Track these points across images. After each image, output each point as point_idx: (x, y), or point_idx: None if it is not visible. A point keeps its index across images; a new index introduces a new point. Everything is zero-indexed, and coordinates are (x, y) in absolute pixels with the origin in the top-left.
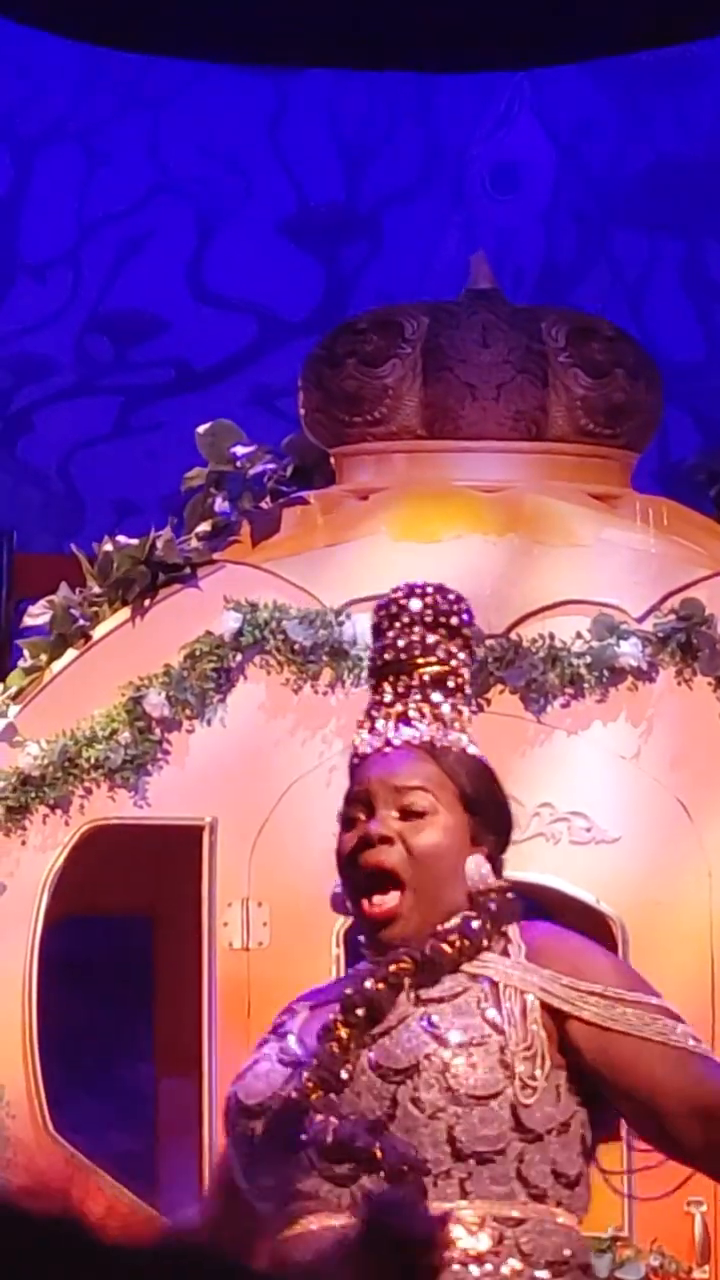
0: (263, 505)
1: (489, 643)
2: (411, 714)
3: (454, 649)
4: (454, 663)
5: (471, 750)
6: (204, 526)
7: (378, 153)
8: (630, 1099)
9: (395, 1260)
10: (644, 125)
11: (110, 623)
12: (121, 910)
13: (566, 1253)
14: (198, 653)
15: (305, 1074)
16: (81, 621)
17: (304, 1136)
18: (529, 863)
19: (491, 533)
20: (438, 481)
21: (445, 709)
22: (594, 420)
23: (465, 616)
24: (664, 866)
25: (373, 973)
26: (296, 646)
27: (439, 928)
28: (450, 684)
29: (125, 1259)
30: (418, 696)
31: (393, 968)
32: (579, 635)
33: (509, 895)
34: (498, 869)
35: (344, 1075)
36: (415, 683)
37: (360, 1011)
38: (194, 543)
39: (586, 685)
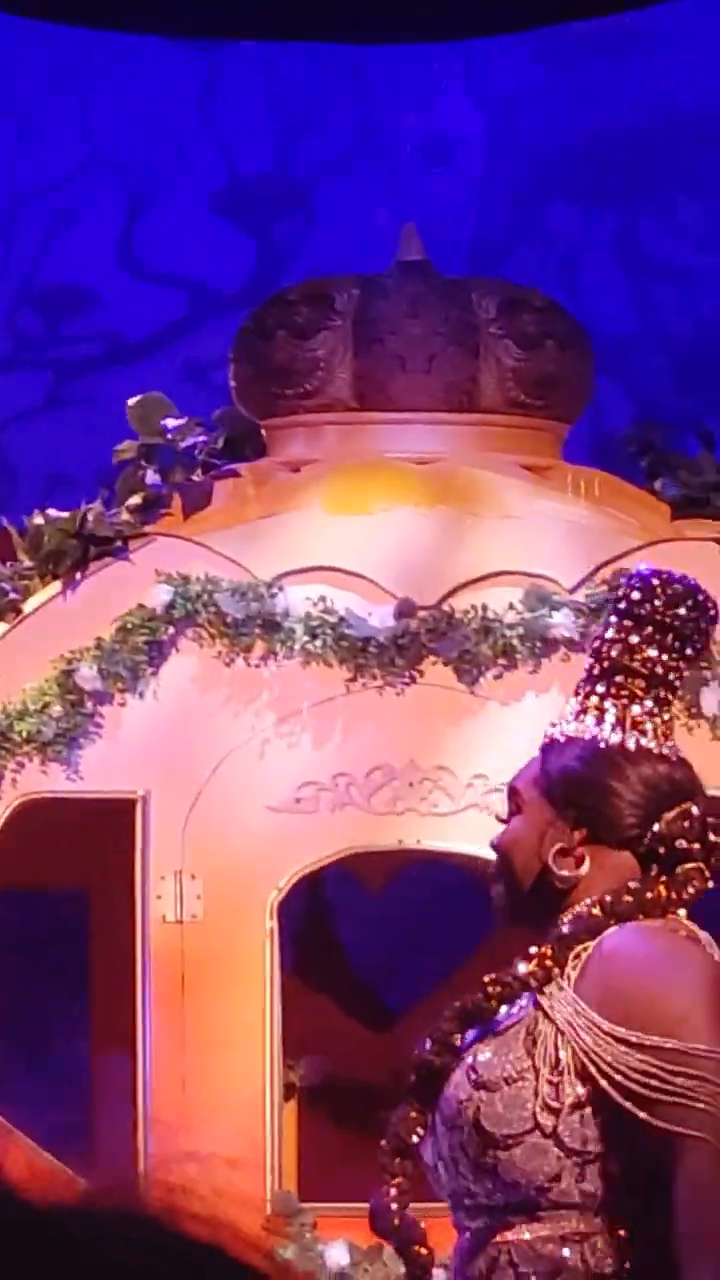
0: (194, 478)
1: (421, 614)
2: (578, 707)
3: (634, 643)
4: (638, 659)
5: (590, 736)
6: (135, 499)
7: (310, 125)
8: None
9: None
10: (577, 97)
11: (41, 596)
12: (55, 884)
13: (626, 1262)
14: (129, 626)
15: (385, 1139)
16: (12, 595)
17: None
18: (462, 834)
19: (423, 504)
20: (369, 453)
21: (588, 700)
22: (525, 391)
23: (667, 613)
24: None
25: (433, 1032)
26: (228, 619)
27: (529, 950)
28: (620, 677)
29: (46, 1218)
30: (580, 688)
31: (445, 1026)
32: (511, 606)
33: (596, 909)
34: (628, 842)
35: (414, 1139)
36: (589, 673)
37: (424, 1073)
38: (125, 516)
39: (519, 656)
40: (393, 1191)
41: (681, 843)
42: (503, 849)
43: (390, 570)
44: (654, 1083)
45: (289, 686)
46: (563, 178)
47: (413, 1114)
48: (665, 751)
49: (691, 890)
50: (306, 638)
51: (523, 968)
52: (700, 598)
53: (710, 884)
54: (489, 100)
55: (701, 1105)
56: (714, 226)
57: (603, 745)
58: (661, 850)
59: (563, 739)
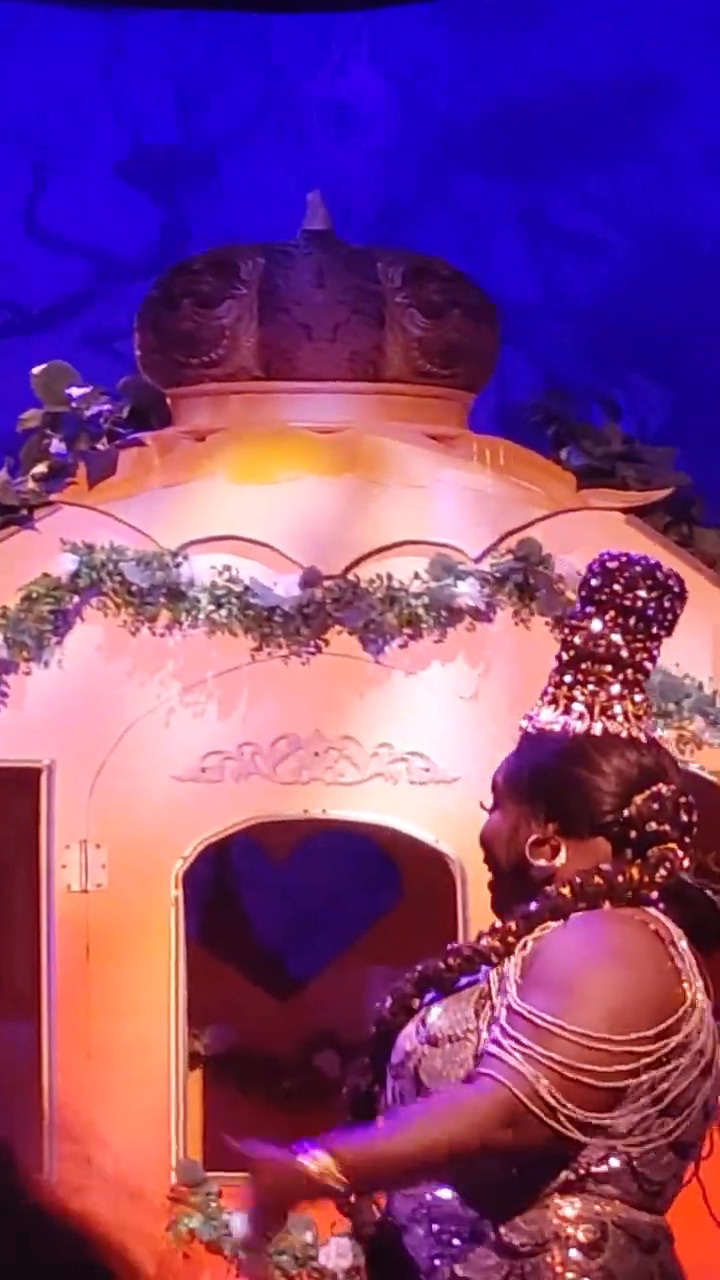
0: (99, 447)
1: (326, 583)
2: (548, 697)
3: (607, 625)
4: (602, 645)
5: (560, 727)
6: (40, 468)
7: (214, 93)
8: None
9: None
10: (482, 67)
11: None
12: None
13: (547, 1238)
14: (34, 595)
15: (344, 1089)
16: None
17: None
18: (368, 803)
19: (328, 473)
20: (274, 422)
21: (559, 688)
22: (430, 361)
23: (627, 595)
24: None
25: (393, 991)
26: (134, 588)
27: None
28: (586, 664)
29: None
30: (553, 676)
31: (405, 988)
32: (416, 576)
33: (565, 889)
34: (602, 829)
35: (365, 1091)
36: (560, 662)
37: (382, 1030)
38: (30, 484)
39: (424, 626)
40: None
41: (653, 825)
42: (485, 842)
43: (295, 539)
44: (507, 1043)
45: (194, 655)
46: (468, 147)
47: (369, 1065)
48: (635, 735)
49: (664, 872)
50: (211, 607)
51: (485, 941)
52: (660, 576)
53: (684, 865)
54: (394, 69)
55: (517, 1066)
56: (619, 197)
57: (571, 735)
58: (633, 834)
59: (535, 732)
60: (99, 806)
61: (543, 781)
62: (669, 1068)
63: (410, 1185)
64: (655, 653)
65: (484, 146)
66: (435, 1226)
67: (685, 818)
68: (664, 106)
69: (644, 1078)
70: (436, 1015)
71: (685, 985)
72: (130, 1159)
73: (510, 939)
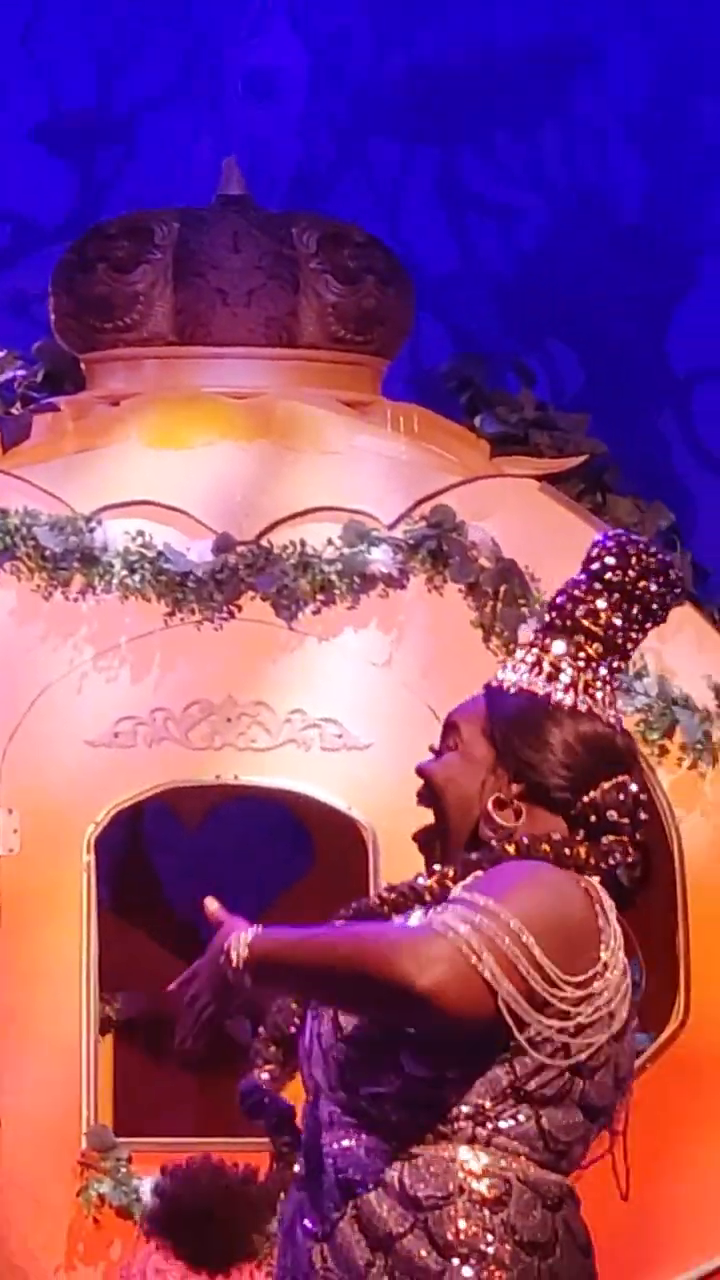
0: (13, 411)
1: (240, 549)
2: (508, 658)
3: (605, 606)
4: (590, 619)
5: (543, 692)
6: None
7: (132, 58)
8: None
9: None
10: (399, 33)
11: None
12: None
13: (451, 1190)
14: None
15: (263, 1028)
16: None
17: (242, 1085)
18: (280, 769)
19: (242, 439)
20: (188, 388)
21: (544, 654)
22: (345, 327)
23: (643, 583)
24: (414, 773)
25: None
26: (47, 553)
27: (434, 868)
28: (579, 638)
29: None
30: (534, 638)
31: (337, 923)
32: (330, 542)
33: (510, 846)
34: (560, 805)
35: (289, 1030)
36: (547, 625)
37: None
38: None
39: (337, 592)
40: (264, 1076)
41: (613, 814)
42: (437, 782)
43: (209, 505)
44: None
45: (107, 621)
46: (385, 113)
47: (292, 1005)
48: (611, 720)
49: (612, 861)
50: (125, 572)
51: (422, 881)
52: (671, 574)
53: (631, 860)
54: (312, 35)
55: (464, 932)
56: (536, 164)
57: (554, 704)
58: (593, 818)
59: (513, 689)
60: (11, 771)
61: (519, 742)
62: (578, 1019)
63: (307, 990)
64: (638, 644)
65: (402, 113)
66: (340, 1176)
67: (641, 815)
68: (582, 74)
69: (555, 1014)
70: None
71: (603, 948)
72: (41, 1124)
73: (448, 883)
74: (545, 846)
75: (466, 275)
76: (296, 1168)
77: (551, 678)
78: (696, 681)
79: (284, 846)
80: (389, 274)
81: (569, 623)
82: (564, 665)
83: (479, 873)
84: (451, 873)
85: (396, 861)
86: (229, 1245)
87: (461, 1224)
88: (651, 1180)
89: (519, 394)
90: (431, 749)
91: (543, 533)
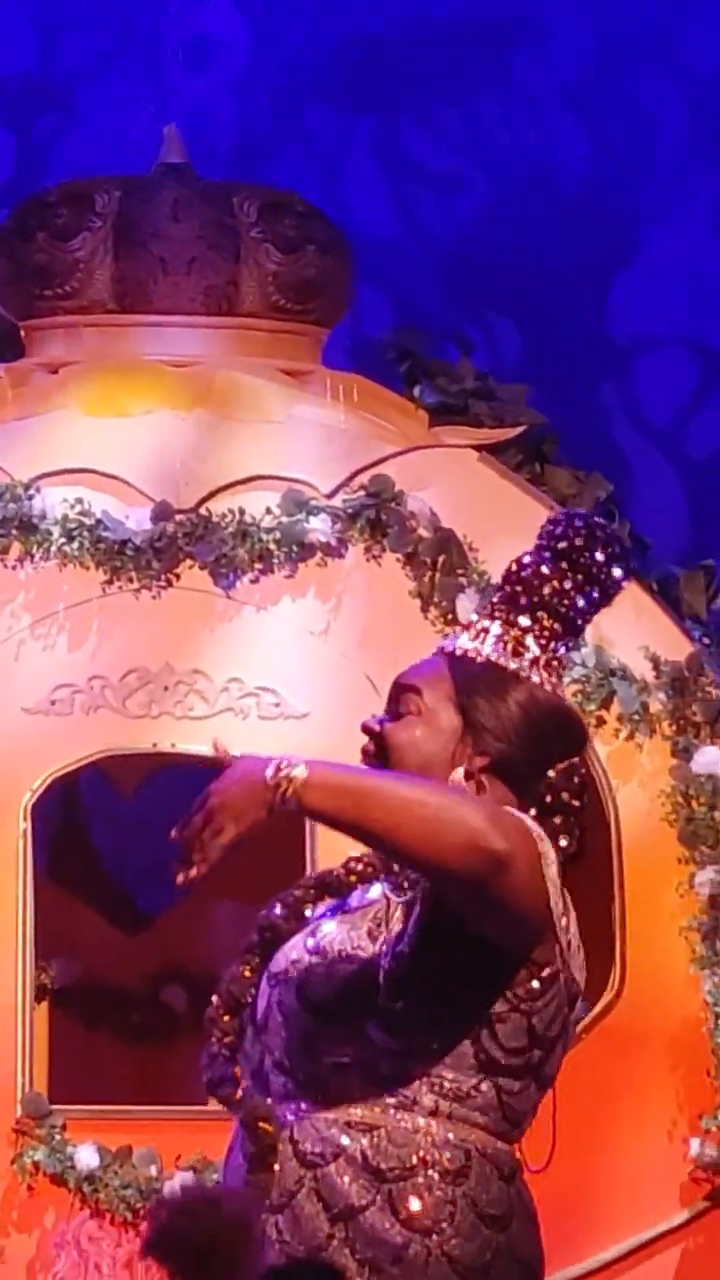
0: None
1: (178, 518)
2: (472, 625)
3: (569, 586)
4: (558, 599)
5: (512, 668)
6: None
7: (72, 25)
8: None
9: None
10: (339, 1)
11: None
12: None
13: (415, 1162)
14: None
15: (216, 994)
16: None
17: (203, 1060)
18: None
19: (181, 407)
20: (128, 356)
21: (510, 629)
22: (285, 296)
23: (609, 567)
24: (352, 742)
25: (283, 897)
26: None
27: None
28: (544, 613)
29: None
30: (498, 611)
31: (299, 893)
32: (268, 511)
33: None
34: (519, 783)
35: (245, 1000)
36: (509, 599)
37: (268, 935)
38: None
39: (275, 561)
40: (224, 1051)
41: (565, 796)
42: (396, 746)
43: (148, 473)
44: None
45: (45, 588)
46: (324, 81)
47: (247, 972)
48: (568, 702)
49: (563, 842)
50: (63, 539)
51: None
52: (630, 566)
53: (574, 845)
54: (252, 3)
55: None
56: (477, 134)
57: (523, 680)
58: (548, 798)
59: (480, 658)
60: None
61: (489, 714)
62: (534, 983)
63: (364, 826)
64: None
65: (341, 82)
66: (297, 1149)
67: (587, 797)
68: (523, 44)
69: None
70: (330, 929)
71: (564, 917)
72: None
73: (365, 870)
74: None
75: (406, 244)
76: (281, 1148)
77: (518, 653)
78: (634, 653)
79: None
80: (329, 243)
81: (536, 599)
82: (529, 641)
83: None
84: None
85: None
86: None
87: (425, 1196)
88: (587, 1150)
89: (458, 364)
90: (391, 713)
91: (481, 503)
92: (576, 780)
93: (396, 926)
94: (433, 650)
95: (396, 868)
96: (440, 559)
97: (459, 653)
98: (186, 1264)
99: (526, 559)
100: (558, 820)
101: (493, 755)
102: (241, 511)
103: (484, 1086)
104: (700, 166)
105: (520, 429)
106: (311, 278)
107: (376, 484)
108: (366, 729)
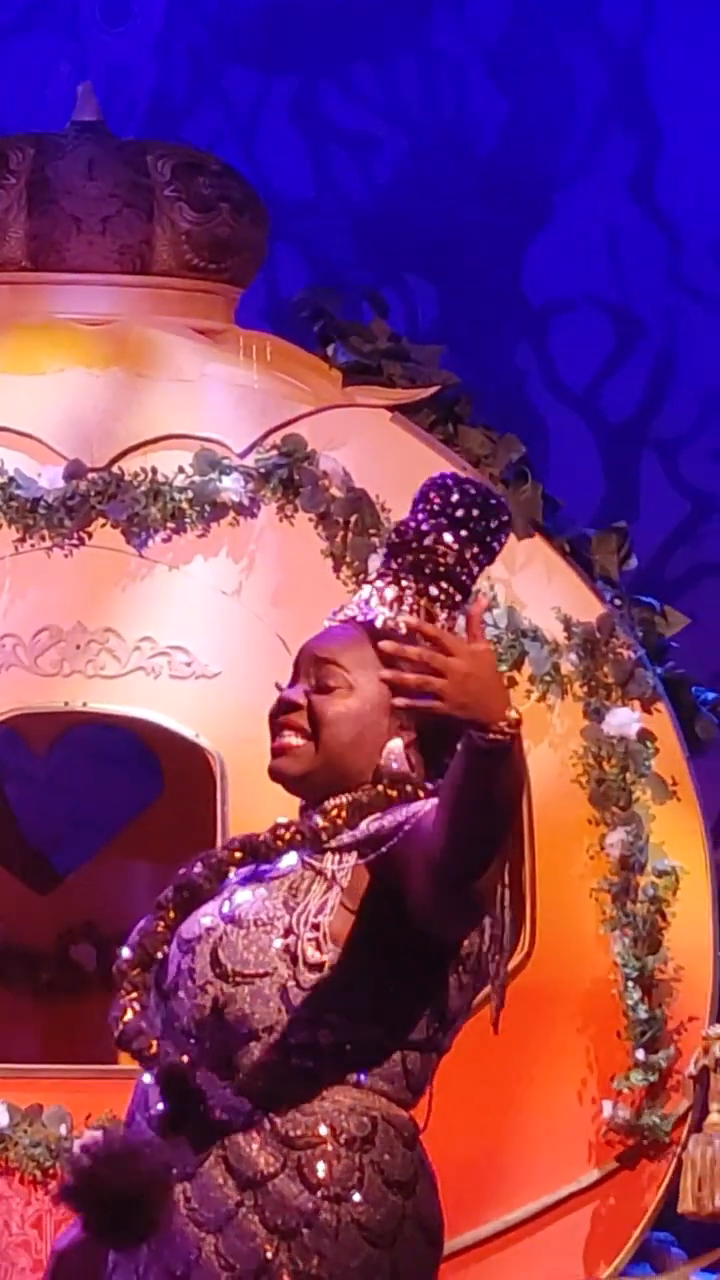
0: None
1: (91, 476)
2: (387, 594)
3: (470, 556)
4: (460, 568)
5: None
6: None
7: None
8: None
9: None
10: None
11: None
12: None
13: (323, 1130)
14: None
15: (127, 947)
16: None
17: (112, 1015)
18: (129, 697)
19: (95, 366)
20: (41, 314)
21: (421, 598)
22: (199, 255)
23: (501, 536)
24: (264, 702)
25: (205, 857)
26: None
27: (324, 804)
28: (445, 582)
29: None
30: (404, 578)
31: (223, 854)
32: (181, 470)
33: (410, 789)
34: (438, 758)
35: (159, 955)
36: (413, 567)
37: (185, 894)
38: None
39: (188, 520)
40: (134, 1004)
41: None
42: (331, 720)
43: (61, 431)
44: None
45: None
46: (242, 41)
47: (160, 927)
48: None
49: None
50: None
51: (319, 820)
52: (510, 529)
53: None
54: None
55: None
56: (391, 94)
57: None
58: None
59: (403, 629)
60: None
61: None
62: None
63: (489, 808)
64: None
65: (259, 41)
66: (207, 1117)
67: None
68: (441, 6)
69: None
70: (245, 897)
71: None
72: None
73: (340, 822)
74: (421, 793)
75: (323, 205)
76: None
77: (432, 622)
78: (545, 613)
79: (132, 773)
80: (244, 202)
81: (442, 568)
82: (439, 611)
83: (380, 815)
84: (344, 815)
85: (244, 789)
86: (143, 1226)
87: (333, 1163)
88: (498, 1112)
89: (372, 323)
90: (312, 685)
91: (394, 463)
92: None
93: (314, 899)
94: (336, 617)
95: (327, 837)
96: (353, 519)
97: (380, 624)
98: (104, 1212)
99: (425, 525)
100: None
101: (419, 731)
102: (154, 470)
103: (394, 1057)
104: (618, 129)
105: (433, 389)
106: (225, 237)
107: (289, 443)
108: (289, 702)
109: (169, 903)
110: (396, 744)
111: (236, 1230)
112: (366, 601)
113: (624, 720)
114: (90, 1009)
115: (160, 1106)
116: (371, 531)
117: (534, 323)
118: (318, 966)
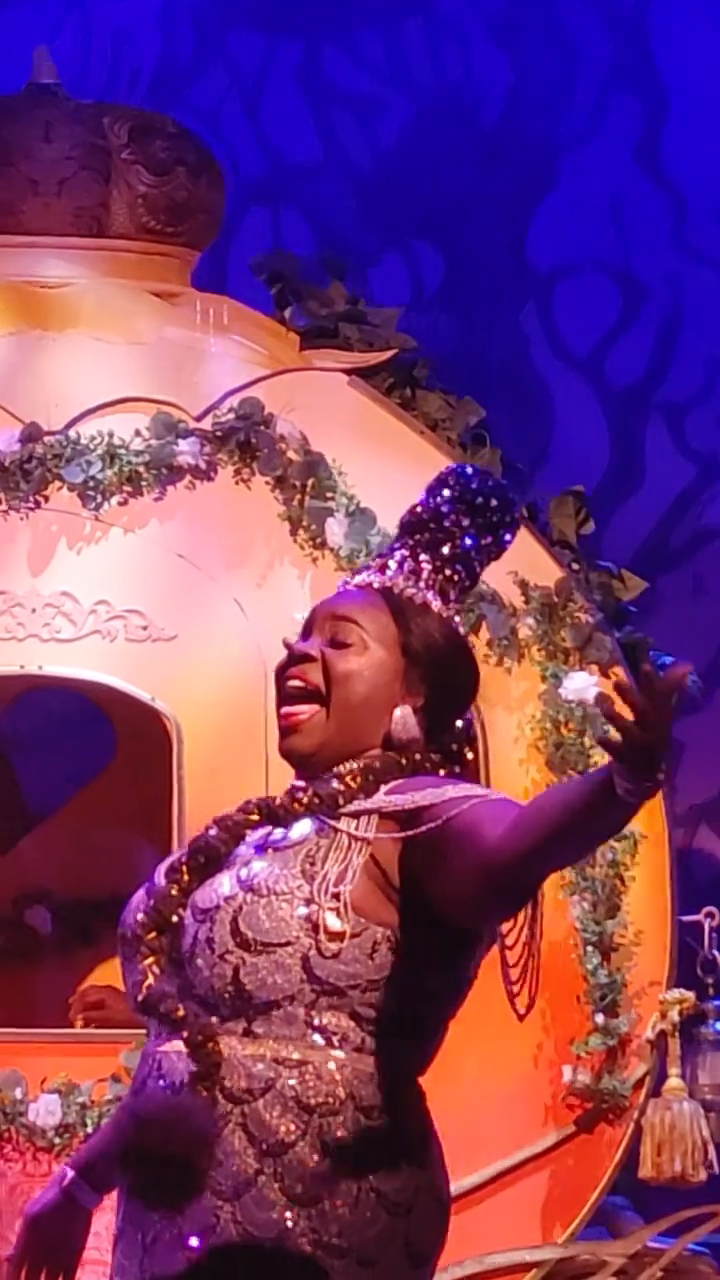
0: None
1: (47, 439)
2: (406, 566)
3: (484, 544)
4: (475, 554)
5: (445, 614)
6: None
7: None
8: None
9: None
10: None
11: None
12: None
13: (342, 1096)
14: None
15: (141, 913)
16: None
17: (131, 980)
18: (85, 660)
19: (52, 328)
20: None
21: (437, 575)
22: (155, 218)
23: (512, 531)
24: (219, 665)
25: (220, 819)
26: None
27: (337, 769)
28: (459, 565)
29: None
30: (422, 554)
31: (239, 817)
32: (137, 433)
33: (419, 757)
34: (435, 729)
35: (174, 919)
36: (430, 545)
37: (201, 858)
38: None
39: (144, 483)
40: (155, 969)
41: (466, 749)
42: (343, 675)
43: (17, 394)
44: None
45: None
46: (246, 5)
47: (174, 891)
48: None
49: None
50: None
51: (335, 784)
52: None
53: None
54: None
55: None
56: (397, 59)
57: (455, 629)
58: (454, 746)
59: (419, 601)
60: None
61: (432, 657)
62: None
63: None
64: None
65: (263, 5)
66: (229, 1085)
67: (476, 751)
68: None
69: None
70: (260, 866)
71: None
72: None
73: (354, 787)
74: (426, 765)
75: (328, 170)
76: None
77: (446, 601)
78: (503, 578)
79: (88, 737)
80: (200, 165)
81: (460, 551)
82: (451, 592)
83: (400, 784)
84: (356, 781)
85: (201, 753)
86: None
87: (352, 1129)
88: (456, 1076)
89: (329, 287)
90: (326, 641)
91: (351, 427)
92: (470, 735)
93: (334, 867)
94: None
95: (344, 801)
96: (309, 482)
97: (399, 591)
98: (156, 1174)
99: (445, 508)
100: (457, 770)
101: (427, 700)
102: (110, 434)
103: (410, 1025)
104: (623, 94)
105: (391, 353)
106: (182, 200)
107: (246, 407)
108: (302, 653)
109: (184, 866)
110: (406, 710)
111: (255, 1198)
112: (383, 569)
113: (582, 684)
114: (45, 973)
115: (191, 1068)
116: (328, 495)
117: (539, 288)
118: (339, 936)
